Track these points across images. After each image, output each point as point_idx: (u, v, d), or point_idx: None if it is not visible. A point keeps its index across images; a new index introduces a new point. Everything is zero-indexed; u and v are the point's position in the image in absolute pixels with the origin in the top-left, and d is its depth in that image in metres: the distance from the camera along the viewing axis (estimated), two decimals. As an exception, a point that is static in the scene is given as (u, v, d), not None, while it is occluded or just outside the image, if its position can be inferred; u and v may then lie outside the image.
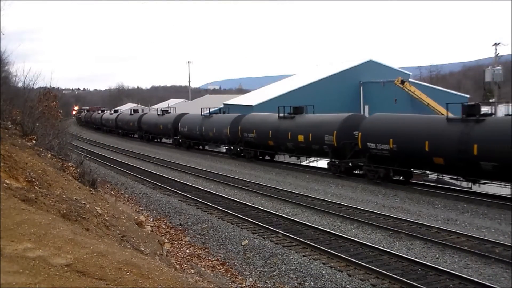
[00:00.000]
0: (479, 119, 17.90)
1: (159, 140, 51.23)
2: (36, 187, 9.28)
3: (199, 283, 7.38)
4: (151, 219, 17.29)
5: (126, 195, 22.37)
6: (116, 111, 75.29)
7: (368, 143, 21.76)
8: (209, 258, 13.20)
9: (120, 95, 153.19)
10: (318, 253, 12.53)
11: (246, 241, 13.94)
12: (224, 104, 65.37)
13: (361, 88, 60.16)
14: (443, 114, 40.53)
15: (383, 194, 19.99)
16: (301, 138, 26.15)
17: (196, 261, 12.79)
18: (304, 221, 15.68)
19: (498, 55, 49.93)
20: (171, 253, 12.49)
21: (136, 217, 13.55)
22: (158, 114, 50.56)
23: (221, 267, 12.49)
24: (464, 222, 15.43)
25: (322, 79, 59.36)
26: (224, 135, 34.11)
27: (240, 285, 11.19)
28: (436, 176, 21.32)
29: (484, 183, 18.52)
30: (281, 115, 28.75)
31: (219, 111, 40.98)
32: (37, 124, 19.30)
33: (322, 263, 11.86)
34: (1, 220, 6.05)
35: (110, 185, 24.76)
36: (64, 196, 9.41)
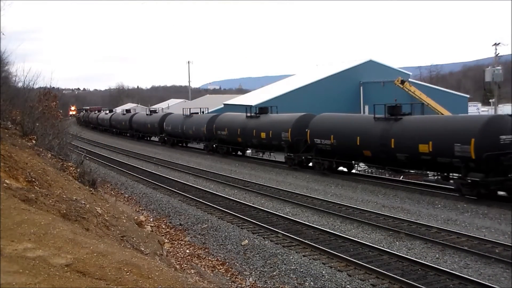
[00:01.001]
0: (397, 118, 21.15)
1: (148, 138, 53.51)
2: (36, 187, 9.28)
3: (199, 283, 7.38)
4: (151, 219, 17.29)
5: (126, 195, 22.37)
6: (111, 111, 78.03)
7: (315, 139, 25.08)
8: (209, 258, 13.20)
9: (120, 95, 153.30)
10: (318, 253, 12.52)
11: (246, 241, 13.94)
12: (224, 104, 65.45)
13: (361, 88, 60.20)
14: (442, 114, 40.56)
15: (383, 194, 19.99)
16: (263, 135, 29.36)
17: (196, 261, 12.78)
18: (304, 221, 15.67)
19: (498, 55, 50.00)
20: (171, 253, 12.49)
21: (136, 217, 13.55)
22: (147, 114, 53.95)
23: (221, 267, 12.49)
24: (464, 222, 15.42)
25: (322, 79, 59.40)
26: (201, 133, 37.49)
27: (240, 285, 11.18)
28: (436, 176, 21.40)
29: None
30: (248, 114, 31.90)
31: (200, 111, 44.01)
32: (37, 124, 19.29)
33: (322, 263, 11.86)
34: (1, 220, 6.05)
35: (110, 185, 24.76)
36: (64, 196, 9.41)
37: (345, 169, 25.55)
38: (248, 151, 35.29)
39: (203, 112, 43.86)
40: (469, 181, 17.61)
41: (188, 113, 42.05)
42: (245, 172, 27.15)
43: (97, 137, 61.58)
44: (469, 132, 17.49)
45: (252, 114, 31.63)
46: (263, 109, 32.13)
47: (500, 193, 17.81)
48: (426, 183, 22.19)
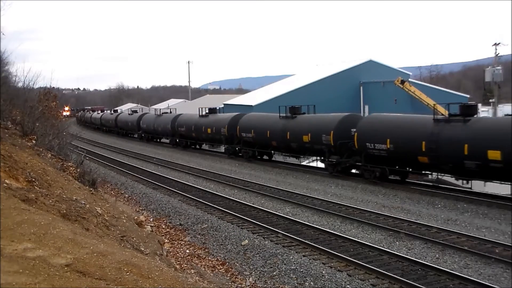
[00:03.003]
0: (293, 116, 27.73)
1: (131, 135, 59.64)
2: (36, 187, 9.27)
3: (199, 283, 7.37)
4: (151, 219, 17.28)
5: (126, 195, 22.36)
6: (102, 111, 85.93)
7: (242, 133, 31.91)
8: (209, 258, 13.20)
9: (120, 95, 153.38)
10: (318, 253, 12.52)
11: (246, 241, 13.94)
12: (224, 104, 65.42)
13: (361, 88, 60.14)
14: (442, 114, 40.56)
15: (383, 194, 19.99)
16: (209, 131, 36.11)
17: (196, 261, 12.79)
18: (304, 221, 15.67)
19: (498, 55, 49.91)
20: (171, 253, 12.49)
21: (136, 217, 13.54)
22: (129, 114, 61.15)
23: (221, 267, 12.49)
24: (464, 222, 15.43)
25: (322, 79, 59.33)
26: (167, 130, 44.57)
27: (240, 285, 11.18)
28: (436, 176, 21.44)
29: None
30: (201, 114, 38.82)
31: (169, 111, 50.78)
32: (37, 124, 19.28)
33: (322, 263, 11.86)
34: (1, 220, 6.04)
35: (110, 185, 24.75)
36: (64, 196, 9.41)
37: (266, 157, 32.31)
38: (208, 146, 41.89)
39: (170, 112, 50.64)
40: (331, 162, 24.27)
41: (159, 113, 49.75)
42: (245, 172, 27.18)
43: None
44: (330, 126, 24.25)
45: (203, 114, 38.65)
46: (212, 109, 39.47)
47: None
48: (426, 183, 22.20)
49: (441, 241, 13.17)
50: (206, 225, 16.01)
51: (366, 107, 58.06)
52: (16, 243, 5.47)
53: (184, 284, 5.76)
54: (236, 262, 12.71)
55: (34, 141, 16.33)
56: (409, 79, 57.90)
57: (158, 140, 50.18)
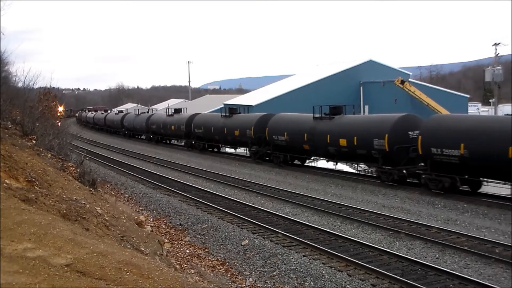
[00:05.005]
0: (229, 115, 34.87)
1: (118, 132, 63.93)
2: (36, 187, 9.27)
3: (199, 283, 7.37)
4: (151, 219, 17.28)
5: (126, 195, 22.35)
6: (96, 110, 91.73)
7: (195, 129, 38.93)
8: (209, 258, 13.20)
9: (120, 95, 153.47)
10: (318, 253, 12.52)
11: (246, 241, 13.93)
12: (224, 104, 65.42)
13: (361, 88, 60.18)
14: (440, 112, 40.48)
15: (383, 194, 19.99)
16: (173, 128, 43.36)
17: (196, 261, 12.78)
18: (304, 221, 15.67)
19: (498, 55, 49.92)
20: (171, 253, 12.48)
21: (136, 217, 13.55)
22: (116, 114, 68.18)
23: (221, 267, 12.48)
24: (464, 222, 15.42)
25: (322, 79, 59.39)
26: (143, 128, 51.89)
27: (240, 285, 11.18)
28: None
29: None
30: (168, 114, 46.35)
31: (147, 111, 59.89)
32: (37, 124, 19.29)
33: (322, 263, 11.85)
34: (1, 220, 6.05)
35: (110, 185, 24.75)
36: (64, 196, 9.41)
37: (215, 149, 38.84)
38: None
39: (147, 112, 58.84)
40: (252, 151, 30.97)
41: (138, 113, 57.19)
42: (245, 172, 27.17)
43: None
44: (251, 123, 30.97)
45: (169, 114, 46.03)
46: (177, 110, 47.01)
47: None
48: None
49: (441, 241, 13.16)
50: (206, 225, 16.01)
51: (366, 107, 58.10)
52: (16, 243, 5.47)
53: (184, 284, 5.76)
54: (236, 262, 12.71)
55: (34, 141, 16.33)
56: (409, 79, 57.95)
57: (138, 136, 56.26)
